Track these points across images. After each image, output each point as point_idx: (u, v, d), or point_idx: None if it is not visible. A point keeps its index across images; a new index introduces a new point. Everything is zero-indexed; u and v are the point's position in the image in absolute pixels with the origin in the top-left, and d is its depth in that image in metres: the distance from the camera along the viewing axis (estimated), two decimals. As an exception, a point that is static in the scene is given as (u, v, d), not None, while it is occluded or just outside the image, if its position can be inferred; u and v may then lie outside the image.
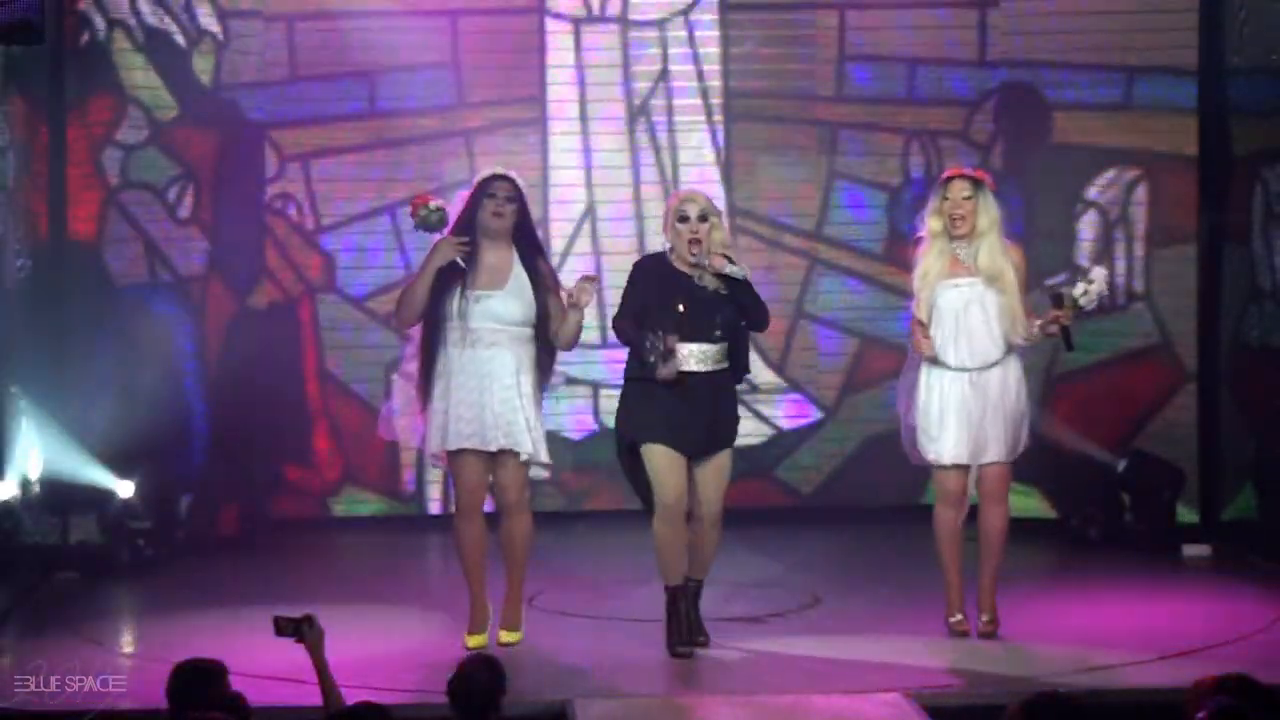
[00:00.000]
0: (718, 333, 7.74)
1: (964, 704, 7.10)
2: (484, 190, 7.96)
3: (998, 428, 7.96)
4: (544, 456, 8.03)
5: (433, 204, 7.99)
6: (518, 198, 7.98)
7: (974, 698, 7.15)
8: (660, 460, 7.76)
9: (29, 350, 9.94)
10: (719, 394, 7.83)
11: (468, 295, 7.86)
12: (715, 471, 7.87)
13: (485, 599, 8.05)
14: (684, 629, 7.86)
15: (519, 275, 7.93)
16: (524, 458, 7.92)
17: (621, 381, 7.96)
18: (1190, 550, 10.13)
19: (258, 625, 8.29)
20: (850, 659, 7.85)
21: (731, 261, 7.73)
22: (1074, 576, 9.44)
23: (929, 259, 7.99)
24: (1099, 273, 7.98)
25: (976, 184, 7.99)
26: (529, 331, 7.94)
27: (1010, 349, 8.00)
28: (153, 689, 6.57)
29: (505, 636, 8.02)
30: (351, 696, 5.93)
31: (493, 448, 7.89)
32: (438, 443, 7.95)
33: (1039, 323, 7.96)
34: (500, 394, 7.84)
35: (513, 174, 8.05)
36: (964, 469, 8.02)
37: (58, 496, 9.90)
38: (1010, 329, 7.95)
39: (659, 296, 7.74)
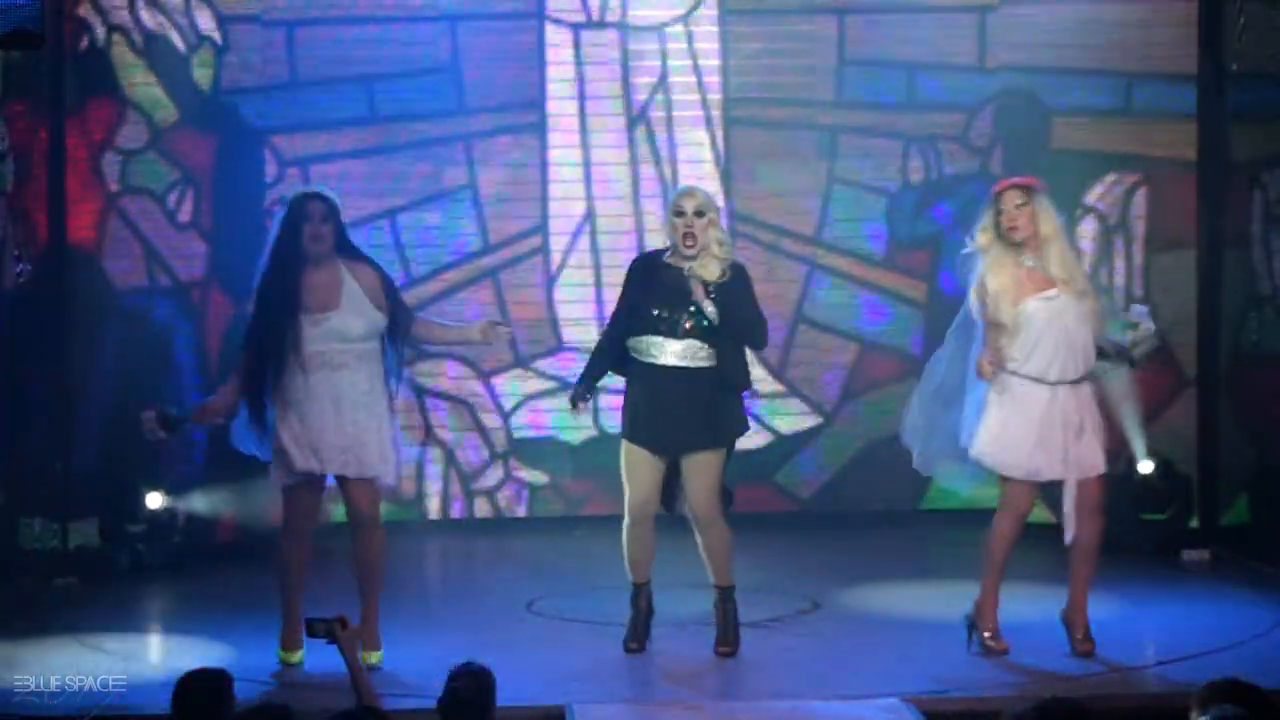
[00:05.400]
0: (689, 325, 7.66)
1: (962, 709, 7.10)
2: (300, 213, 7.71)
3: (1092, 441, 7.76)
4: (393, 480, 7.85)
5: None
6: (332, 215, 7.74)
7: (972, 703, 7.15)
8: (629, 460, 7.84)
9: (29, 356, 9.94)
10: (699, 392, 7.70)
11: (302, 320, 7.60)
12: (695, 471, 7.79)
13: (298, 616, 7.69)
14: (640, 626, 8.00)
15: (351, 290, 7.70)
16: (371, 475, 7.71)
17: (621, 387, 7.97)
18: (1189, 555, 10.13)
19: (256, 630, 8.34)
20: (849, 664, 7.86)
21: (711, 300, 7.63)
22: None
23: (999, 277, 7.68)
24: (1138, 311, 7.89)
25: (1028, 190, 7.75)
26: (375, 346, 7.72)
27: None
28: (152, 693, 6.59)
29: (372, 658, 7.65)
30: (349, 702, 5.92)
31: (346, 472, 7.65)
32: (285, 473, 7.68)
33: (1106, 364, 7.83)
34: (350, 416, 7.60)
35: (324, 190, 7.83)
36: (1035, 485, 7.85)
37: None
38: (1098, 333, 7.75)
39: (643, 291, 7.74)
